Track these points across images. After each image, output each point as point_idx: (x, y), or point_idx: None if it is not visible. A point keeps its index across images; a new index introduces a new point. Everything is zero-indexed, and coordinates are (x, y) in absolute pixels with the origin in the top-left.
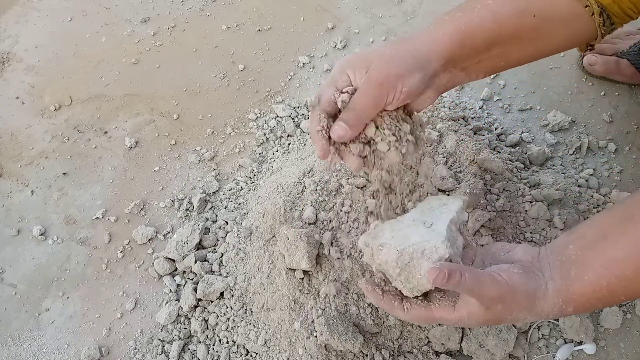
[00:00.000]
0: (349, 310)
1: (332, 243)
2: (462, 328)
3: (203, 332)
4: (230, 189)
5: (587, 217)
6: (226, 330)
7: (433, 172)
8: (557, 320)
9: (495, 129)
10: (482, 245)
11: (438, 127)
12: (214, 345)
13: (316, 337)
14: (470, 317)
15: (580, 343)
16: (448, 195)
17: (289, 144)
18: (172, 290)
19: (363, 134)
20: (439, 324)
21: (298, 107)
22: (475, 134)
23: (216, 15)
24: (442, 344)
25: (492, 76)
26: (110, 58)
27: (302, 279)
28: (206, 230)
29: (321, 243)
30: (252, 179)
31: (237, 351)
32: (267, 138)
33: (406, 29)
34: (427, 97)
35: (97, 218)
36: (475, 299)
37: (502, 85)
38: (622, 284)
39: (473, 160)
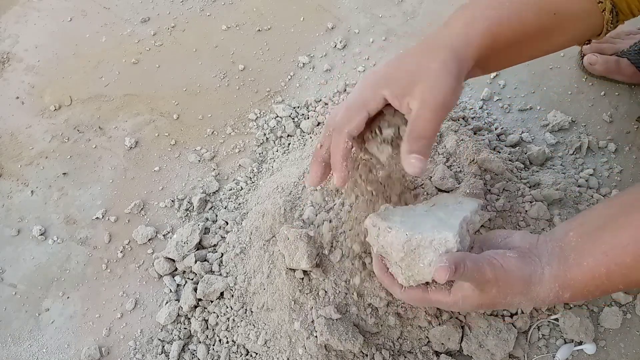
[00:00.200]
0: (349, 310)
1: (332, 243)
2: (462, 328)
3: (203, 332)
4: (230, 189)
5: None
6: (226, 330)
7: (433, 172)
8: (557, 320)
9: (495, 129)
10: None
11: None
12: (214, 345)
13: (316, 337)
14: (465, 300)
15: (580, 343)
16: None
17: (289, 144)
18: (172, 290)
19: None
20: (439, 324)
21: (298, 107)
22: (475, 134)
23: (216, 15)
24: (442, 344)
25: (492, 76)
26: (110, 58)
27: (302, 279)
28: (206, 230)
29: (321, 243)
30: (252, 179)
31: (237, 351)
32: (267, 138)
33: (406, 29)
34: None
35: (97, 218)
36: (470, 283)
37: (502, 85)
38: (621, 272)
39: (473, 160)
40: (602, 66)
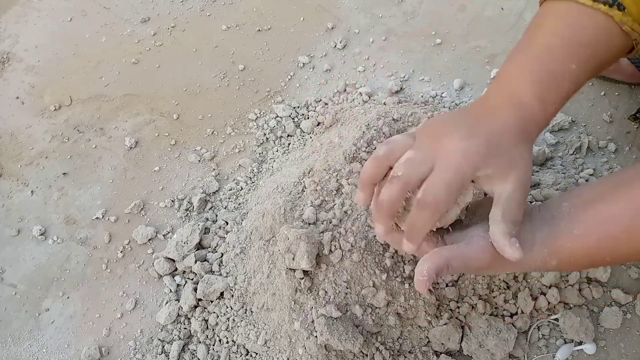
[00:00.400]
0: (349, 310)
1: (332, 243)
2: (462, 328)
3: (203, 332)
4: (230, 189)
5: None
6: (226, 330)
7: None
8: (557, 320)
9: None
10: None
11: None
12: (214, 345)
13: (316, 337)
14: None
15: (580, 343)
16: None
17: (289, 144)
18: (172, 290)
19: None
20: (439, 325)
21: (298, 107)
22: None
23: (216, 15)
24: (442, 344)
25: (492, 76)
26: (110, 58)
27: (302, 279)
28: (206, 230)
29: (321, 243)
30: (252, 179)
31: (237, 351)
32: (267, 138)
33: (406, 29)
34: None
35: (97, 218)
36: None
37: None
38: (611, 243)
39: None
40: None
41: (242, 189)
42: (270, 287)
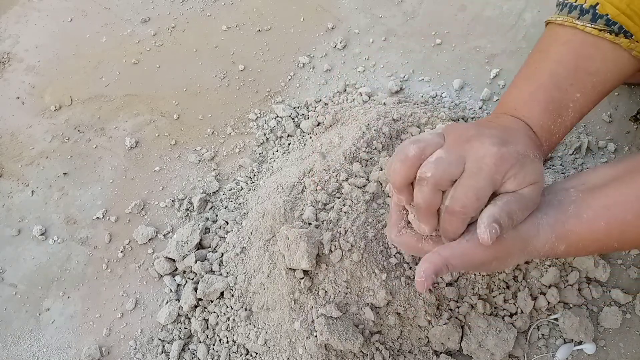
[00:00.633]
0: (349, 310)
1: (332, 243)
2: (462, 327)
3: (203, 332)
4: (230, 189)
5: None
6: (226, 330)
7: None
8: (557, 320)
9: None
10: None
11: (438, 127)
12: (214, 345)
13: (316, 337)
14: (466, 270)
15: (580, 343)
16: None
17: (289, 144)
18: (172, 290)
19: None
20: (439, 324)
21: (298, 107)
22: None
23: (216, 15)
24: (442, 343)
25: (492, 76)
26: (110, 58)
27: (302, 279)
28: (206, 230)
29: (321, 243)
30: (252, 179)
31: (237, 351)
32: (267, 138)
33: (406, 29)
34: None
35: (97, 218)
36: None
37: (501, 86)
38: (620, 228)
39: None
40: None
41: (242, 189)
42: (270, 287)
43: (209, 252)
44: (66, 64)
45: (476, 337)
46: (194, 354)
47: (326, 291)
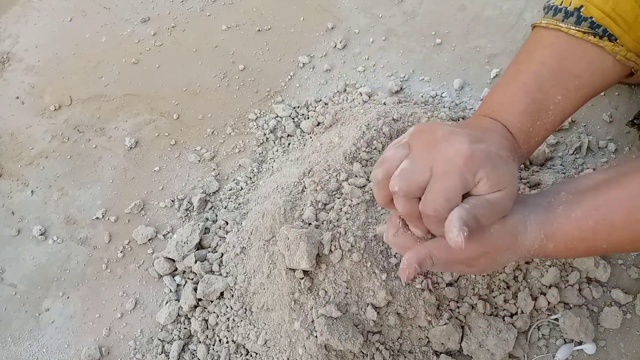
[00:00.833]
0: (349, 310)
1: (332, 243)
2: (462, 328)
3: (203, 332)
4: (230, 189)
5: None
6: (226, 330)
7: None
8: (557, 320)
9: None
10: None
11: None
12: (214, 345)
13: (316, 337)
14: (457, 271)
15: (580, 343)
16: None
17: (289, 144)
18: (172, 290)
19: None
20: (439, 325)
21: (298, 107)
22: None
23: (216, 15)
24: (442, 344)
25: (492, 76)
26: (110, 58)
27: (302, 279)
28: (206, 230)
29: (321, 243)
30: (252, 179)
31: (237, 351)
32: (267, 138)
33: (406, 29)
34: None
35: (97, 218)
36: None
37: None
38: (608, 229)
39: None
40: None
41: (242, 189)
42: (270, 287)
43: (209, 252)
44: (66, 64)
45: (476, 337)
46: (193, 354)
47: (326, 291)
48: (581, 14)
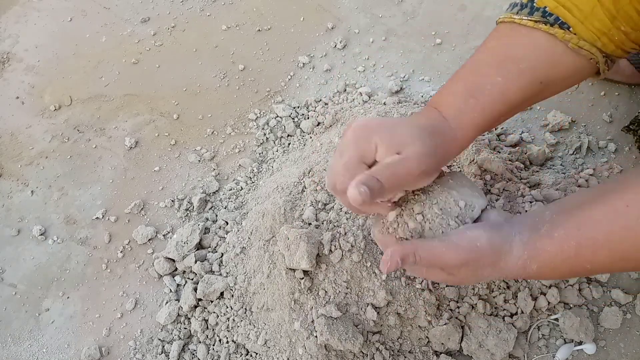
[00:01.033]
0: (349, 310)
1: (332, 243)
2: (462, 328)
3: (203, 332)
4: (230, 189)
5: None
6: (226, 330)
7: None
8: (557, 320)
9: (495, 129)
10: None
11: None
12: (214, 345)
13: (316, 337)
14: (436, 279)
15: (580, 343)
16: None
17: (289, 144)
18: (172, 290)
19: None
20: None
21: (298, 107)
22: None
23: (216, 15)
24: (442, 344)
25: None
26: (110, 58)
27: (302, 279)
28: (206, 230)
29: (321, 243)
30: (252, 179)
31: (237, 351)
32: (267, 138)
33: (406, 29)
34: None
35: (97, 218)
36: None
37: None
38: (590, 248)
39: (473, 160)
40: None
41: (242, 189)
42: (270, 287)
43: (209, 252)
44: (66, 64)
45: (476, 337)
46: (193, 354)
47: (326, 291)
48: (534, 4)
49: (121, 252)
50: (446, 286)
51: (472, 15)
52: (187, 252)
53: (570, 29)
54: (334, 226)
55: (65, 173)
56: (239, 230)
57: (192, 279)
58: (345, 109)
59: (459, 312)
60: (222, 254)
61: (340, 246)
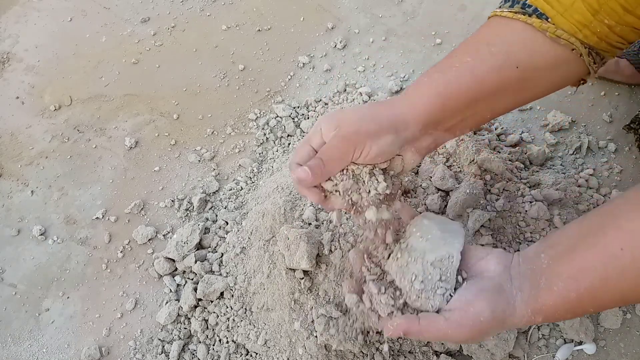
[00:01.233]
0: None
1: (332, 243)
2: None
3: (203, 332)
4: (230, 189)
5: None
6: (226, 330)
7: (433, 172)
8: None
9: (495, 129)
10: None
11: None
12: (214, 345)
13: (316, 337)
14: (444, 339)
15: (580, 343)
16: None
17: (289, 144)
18: (172, 290)
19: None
20: None
21: (298, 107)
22: (475, 134)
23: (216, 15)
24: (442, 344)
25: None
26: (110, 58)
27: (302, 279)
28: (206, 230)
29: (321, 243)
30: (252, 179)
31: (237, 351)
32: (267, 138)
33: (406, 29)
34: (409, 158)
35: (97, 218)
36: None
37: None
38: (590, 295)
39: (473, 160)
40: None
41: (242, 189)
42: (270, 287)
43: (209, 252)
44: (66, 64)
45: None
46: (193, 354)
47: (326, 291)
48: None
49: (121, 252)
50: None
51: (472, 15)
52: (187, 252)
53: (549, 19)
54: (334, 226)
55: (65, 173)
56: (239, 230)
57: (192, 279)
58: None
59: None
60: (222, 254)
61: (340, 246)
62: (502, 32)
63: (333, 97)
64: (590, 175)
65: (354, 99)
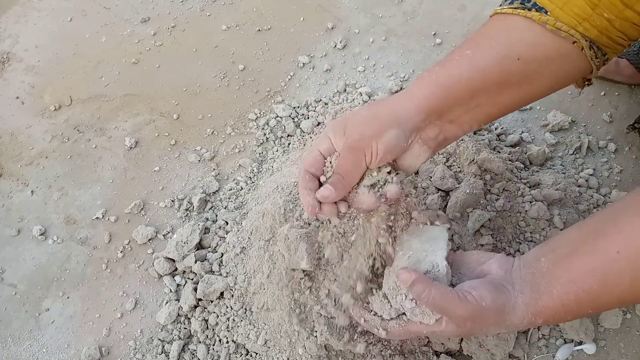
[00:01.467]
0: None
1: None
2: None
3: (203, 332)
4: (230, 189)
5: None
6: (226, 330)
7: (433, 172)
8: None
9: (495, 129)
10: (457, 251)
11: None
12: (214, 345)
13: (316, 337)
14: (443, 332)
15: (580, 343)
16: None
17: (289, 144)
18: (172, 290)
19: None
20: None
21: (298, 107)
22: (475, 134)
23: (216, 15)
24: (442, 344)
25: None
26: (110, 58)
27: (302, 279)
28: (206, 230)
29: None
30: (252, 179)
31: (237, 351)
32: (267, 138)
33: (406, 29)
34: (416, 152)
35: (97, 218)
36: (445, 317)
37: None
38: (589, 298)
39: (473, 160)
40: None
41: (242, 189)
42: (270, 287)
43: (209, 252)
44: (66, 64)
45: (476, 337)
46: (193, 354)
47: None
48: None
49: (121, 252)
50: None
51: (472, 15)
52: (187, 252)
53: (548, 13)
54: (334, 226)
55: (65, 173)
56: (239, 230)
57: (192, 279)
58: (345, 109)
59: None
60: (222, 254)
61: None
62: (503, 26)
63: (333, 97)
64: (590, 175)
65: (354, 99)
